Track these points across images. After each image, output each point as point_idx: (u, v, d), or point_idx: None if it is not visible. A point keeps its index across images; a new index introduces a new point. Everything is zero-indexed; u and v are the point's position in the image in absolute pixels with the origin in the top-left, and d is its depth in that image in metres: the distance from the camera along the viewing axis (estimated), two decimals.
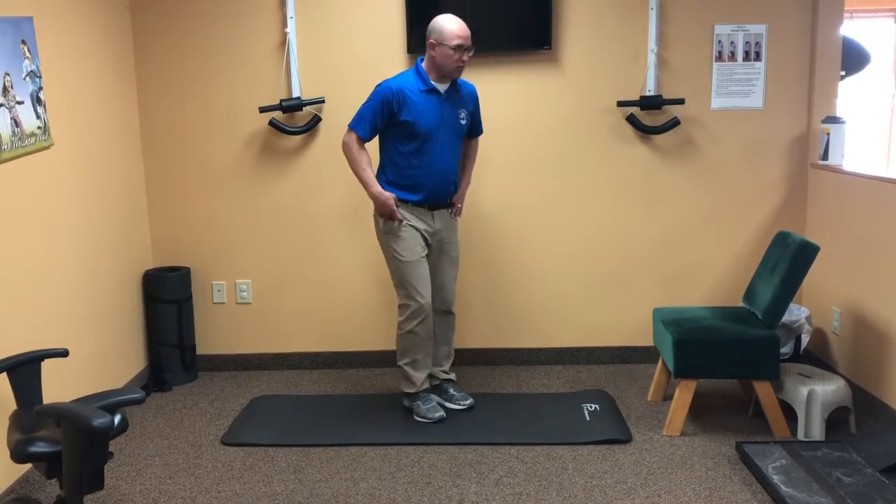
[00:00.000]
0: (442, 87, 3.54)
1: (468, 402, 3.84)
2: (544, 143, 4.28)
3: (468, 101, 3.69)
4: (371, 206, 3.67)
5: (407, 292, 3.62)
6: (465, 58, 3.49)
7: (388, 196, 3.54)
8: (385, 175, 3.62)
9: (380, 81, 3.57)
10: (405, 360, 3.71)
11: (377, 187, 3.56)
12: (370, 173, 3.57)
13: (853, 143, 4.36)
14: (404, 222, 3.58)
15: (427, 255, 3.67)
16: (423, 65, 3.55)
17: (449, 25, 3.45)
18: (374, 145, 3.68)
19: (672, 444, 3.49)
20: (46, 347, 2.97)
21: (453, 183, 3.70)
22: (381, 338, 4.32)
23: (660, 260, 4.37)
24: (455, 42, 3.44)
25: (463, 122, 3.65)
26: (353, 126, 3.54)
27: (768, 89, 4.21)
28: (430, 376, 3.83)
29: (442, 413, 3.72)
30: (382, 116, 3.49)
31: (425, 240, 3.65)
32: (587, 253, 4.37)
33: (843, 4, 4.14)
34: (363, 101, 3.55)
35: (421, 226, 3.63)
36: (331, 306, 4.43)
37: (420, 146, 3.53)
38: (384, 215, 3.58)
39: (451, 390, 3.87)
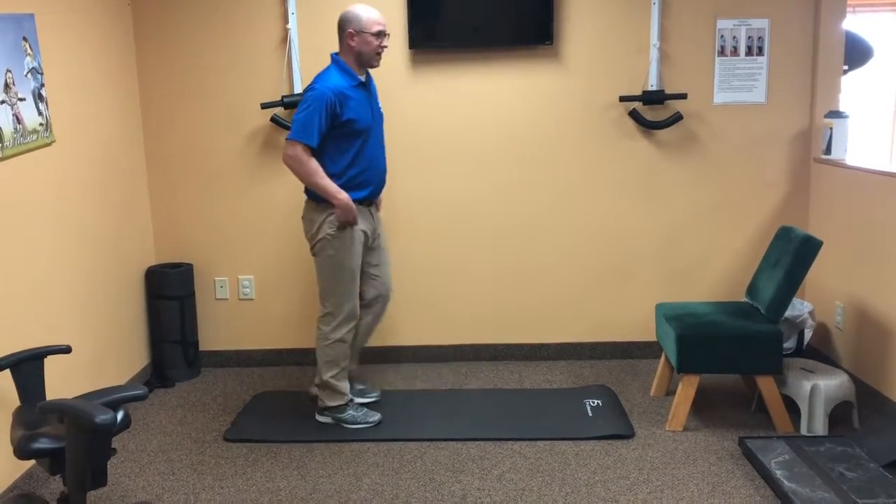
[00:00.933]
0: (363, 79, 3.48)
1: (376, 394, 3.87)
2: (546, 138, 4.27)
3: (375, 88, 3.62)
4: (300, 211, 3.59)
5: (339, 301, 3.50)
6: (384, 43, 3.45)
7: (351, 201, 3.43)
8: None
9: (308, 85, 3.42)
10: (333, 371, 3.57)
11: (344, 194, 3.39)
12: (329, 181, 3.39)
13: (856, 138, 4.35)
14: (356, 227, 3.49)
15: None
16: (342, 59, 3.44)
17: (366, 13, 3.39)
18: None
19: (675, 439, 3.49)
20: (49, 344, 2.98)
21: (386, 173, 3.65)
22: (383, 333, 4.32)
23: (662, 255, 4.36)
24: (376, 28, 3.39)
25: (382, 111, 3.63)
26: (298, 137, 3.32)
27: (771, 84, 4.20)
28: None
29: (378, 415, 3.67)
30: (327, 120, 3.33)
31: (366, 242, 3.58)
32: (590, 248, 4.37)
33: None
34: (301, 107, 3.35)
35: (367, 227, 3.55)
36: None
37: (362, 143, 3.44)
38: (346, 222, 3.43)
39: (359, 385, 3.88)
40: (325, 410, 3.66)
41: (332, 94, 3.32)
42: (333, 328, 3.55)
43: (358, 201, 3.47)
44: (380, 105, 3.64)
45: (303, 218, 3.60)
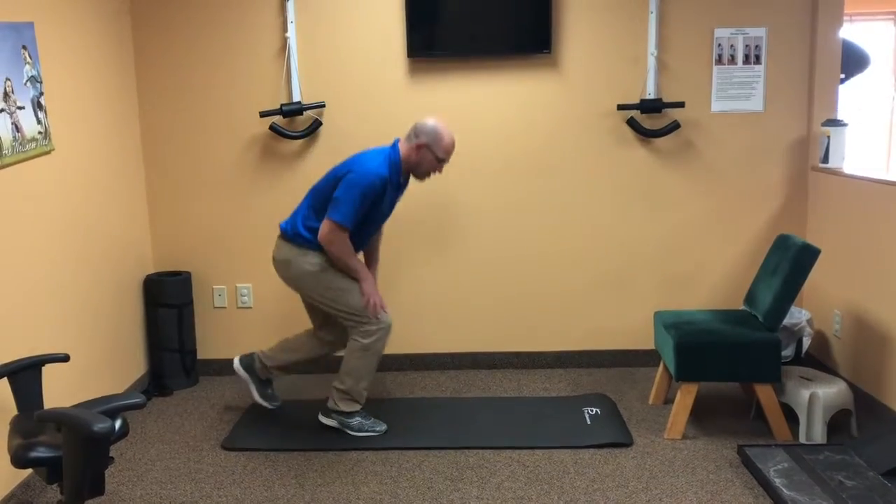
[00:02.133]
0: (403, 179, 3.57)
1: (277, 404, 3.92)
2: (544, 146, 4.28)
3: (405, 189, 3.69)
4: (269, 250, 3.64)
5: (367, 313, 3.50)
6: (441, 169, 3.52)
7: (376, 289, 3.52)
8: (311, 227, 3.48)
9: (356, 162, 3.42)
10: (365, 382, 3.56)
11: (370, 282, 3.48)
12: (358, 262, 3.47)
13: (853, 146, 4.36)
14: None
15: None
16: (400, 155, 3.47)
17: (446, 138, 3.44)
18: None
19: (673, 447, 3.48)
20: (47, 352, 2.97)
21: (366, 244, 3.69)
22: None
23: (661, 263, 4.37)
24: (443, 155, 3.46)
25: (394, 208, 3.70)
26: (341, 219, 3.34)
27: (768, 92, 4.21)
28: (269, 366, 3.81)
29: (385, 425, 3.65)
30: (366, 207, 3.39)
31: None
32: (588, 256, 4.37)
33: (843, 7, 4.14)
34: (344, 187, 3.35)
35: None
36: None
37: (363, 224, 3.49)
38: (374, 302, 3.46)
39: (269, 389, 3.93)
40: (334, 413, 3.65)
41: (380, 183, 3.36)
42: (374, 340, 3.51)
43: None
44: (397, 203, 3.67)
45: (276, 259, 3.59)
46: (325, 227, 3.38)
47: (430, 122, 3.46)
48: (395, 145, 3.51)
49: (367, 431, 3.62)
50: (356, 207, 3.35)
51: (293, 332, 4.41)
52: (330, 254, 3.44)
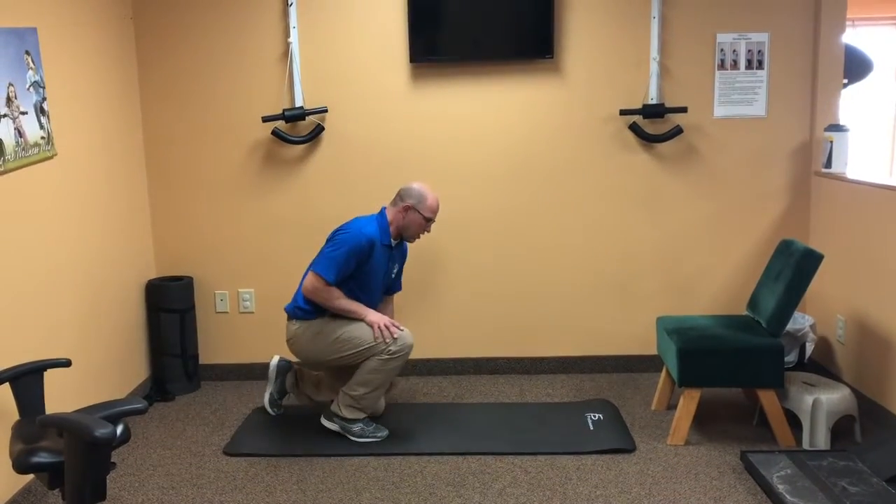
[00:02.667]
0: (395, 243, 3.67)
1: (280, 412, 3.94)
2: (547, 151, 4.28)
3: (402, 256, 3.82)
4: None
5: (384, 339, 3.52)
6: (429, 229, 3.68)
7: (385, 317, 3.54)
8: (318, 311, 3.57)
9: (346, 224, 3.56)
10: (376, 394, 3.59)
11: (365, 308, 3.52)
12: (351, 302, 3.52)
13: (856, 151, 4.35)
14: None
15: None
16: (388, 219, 3.61)
17: (430, 199, 3.62)
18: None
19: (676, 453, 3.47)
20: (49, 357, 2.97)
21: None
22: None
23: (663, 268, 4.36)
24: (429, 215, 3.63)
25: (394, 275, 3.80)
26: (323, 272, 3.47)
27: (771, 97, 4.21)
28: (300, 388, 3.88)
29: (387, 430, 3.65)
30: (353, 265, 3.50)
31: None
32: (590, 261, 4.37)
33: (846, 12, 4.14)
34: (329, 243, 3.53)
35: None
36: None
37: (353, 290, 3.56)
38: (384, 333, 3.48)
39: (281, 401, 3.96)
40: (337, 418, 3.64)
41: (366, 242, 3.49)
42: (399, 357, 3.53)
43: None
44: (395, 270, 3.78)
45: (288, 341, 3.66)
46: (308, 280, 3.52)
47: (415, 185, 3.65)
48: (382, 211, 3.66)
49: (368, 437, 3.61)
50: (339, 263, 3.47)
51: None
52: (320, 304, 3.52)
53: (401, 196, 3.63)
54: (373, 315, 3.53)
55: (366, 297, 3.61)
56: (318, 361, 3.66)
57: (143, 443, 3.70)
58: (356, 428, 3.61)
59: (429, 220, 3.65)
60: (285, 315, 3.67)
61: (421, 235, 3.70)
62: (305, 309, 3.58)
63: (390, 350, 3.50)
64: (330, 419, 3.67)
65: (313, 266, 3.53)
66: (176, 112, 4.29)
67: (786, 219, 4.30)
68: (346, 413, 3.60)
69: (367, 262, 3.53)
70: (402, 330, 3.55)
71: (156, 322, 4.26)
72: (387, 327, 3.50)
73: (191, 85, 4.26)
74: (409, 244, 3.82)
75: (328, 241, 3.60)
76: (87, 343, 3.67)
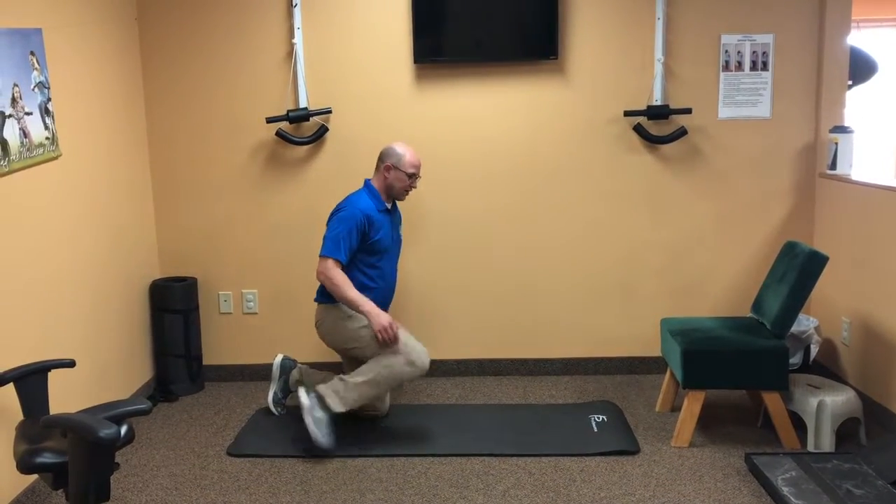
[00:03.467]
0: (389, 206, 3.77)
1: (283, 412, 3.96)
2: (551, 152, 4.27)
3: (399, 218, 3.93)
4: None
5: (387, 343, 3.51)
6: (415, 184, 3.76)
7: (385, 313, 3.53)
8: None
9: (339, 204, 3.65)
10: (367, 395, 3.54)
11: (371, 304, 3.52)
12: (358, 293, 3.54)
13: (861, 153, 4.34)
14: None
15: None
16: (375, 185, 3.72)
17: (407, 154, 3.70)
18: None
19: (680, 455, 3.46)
20: (53, 358, 2.97)
21: (395, 291, 3.91)
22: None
23: (667, 270, 4.35)
24: (410, 170, 3.71)
25: (401, 236, 3.94)
26: (330, 253, 3.55)
27: (775, 99, 4.20)
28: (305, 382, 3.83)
29: (331, 442, 3.52)
30: (357, 239, 3.59)
31: None
32: (594, 263, 4.36)
33: (851, 14, 4.13)
34: (331, 223, 3.61)
35: None
36: None
37: (378, 262, 3.70)
38: (383, 327, 3.47)
39: (285, 400, 4.00)
40: (314, 394, 3.53)
41: (361, 215, 3.59)
42: (407, 372, 3.54)
43: None
44: (401, 233, 3.94)
45: (315, 323, 3.75)
46: (319, 265, 3.58)
47: (391, 144, 3.74)
48: (367, 182, 3.76)
49: (317, 432, 3.47)
50: (343, 239, 3.55)
51: (298, 338, 4.43)
52: (329, 290, 3.58)
53: (381, 158, 3.72)
54: (375, 316, 3.49)
55: (388, 263, 3.75)
56: (341, 348, 3.73)
57: (146, 443, 3.71)
58: (319, 415, 3.50)
59: (411, 176, 3.71)
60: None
61: (409, 191, 3.77)
62: (326, 293, 3.65)
63: (410, 358, 3.51)
64: (307, 393, 3.56)
65: (321, 251, 3.59)
66: (180, 112, 4.30)
67: (790, 220, 4.29)
68: (329, 399, 3.52)
69: (372, 231, 3.62)
70: (399, 330, 3.53)
71: (160, 323, 4.27)
72: (386, 329, 3.47)
73: (195, 85, 4.27)
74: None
75: (328, 224, 3.67)
76: (91, 343, 3.68)
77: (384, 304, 3.75)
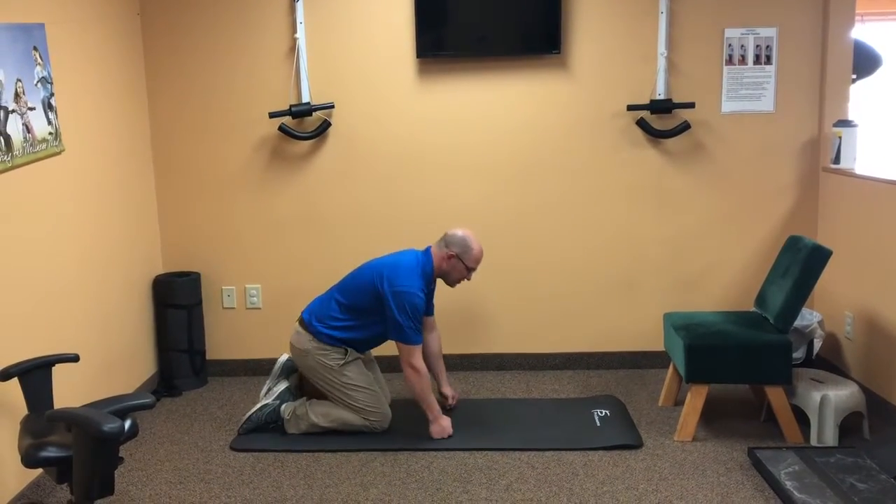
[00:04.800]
0: (433, 287, 3.75)
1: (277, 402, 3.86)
2: (554, 147, 4.27)
3: (433, 290, 3.81)
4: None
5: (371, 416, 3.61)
6: (470, 277, 3.69)
7: (448, 421, 3.62)
8: (336, 325, 3.60)
9: (399, 282, 3.51)
10: (335, 426, 3.61)
11: (438, 410, 3.61)
12: (433, 398, 3.61)
13: (865, 147, 4.33)
14: (355, 360, 3.64)
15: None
16: (434, 264, 3.62)
17: (474, 250, 3.62)
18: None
19: (683, 449, 3.47)
20: (57, 352, 2.98)
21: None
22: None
23: (670, 264, 4.35)
24: (473, 265, 3.65)
25: (433, 307, 3.86)
26: (412, 339, 3.51)
27: (779, 93, 4.19)
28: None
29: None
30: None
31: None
32: (597, 257, 4.36)
33: (855, 7, 4.12)
34: (397, 311, 3.48)
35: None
36: None
37: (378, 322, 3.60)
38: (438, 436, 3.58)
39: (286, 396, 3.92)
40: (295, 417, 3.65)
41: (422, 298, 3.55)
42: (368, 427, 3.61)
43: (352, 347, 3.63)
44: (433, 304, 3.85)
45: (294, 347, 3.65)
46: (407, 353, 3.53)
47: (460, 233, 3.64)
48: (427, 252, 3.65)
49: (248, 423, 3.65)
50: (417, 324, 3.52)
51: None
52: (413, 385, 3.56)
53: (446, 242, 3.62)
54: (440, 426, 3.58)
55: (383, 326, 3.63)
56: (313, 379, 3.66)
57: (150, 438, 3.72)
58: (261, 417, 3.66)
59: (470, 270, 3.65)
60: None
61: (462, 282, 3.71)
62: (328, 335, 3.59)
63: (371, 421, 3.60)
64: (292, 411, 3.64)
65: (403, 338, 3.51)
66: (183, 107, 4.29)
67: (794, 215, 4.29)
68: (287, 421, 3.63)
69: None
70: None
71: (163, 318, 4.27)
72: (442, 435, 3.58)
73: (198, 80, 4.27)
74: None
75: (367, 284, 3.56)
76: (95, 338, 3.69)
77: (370, 347, 3.74)
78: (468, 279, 3.70)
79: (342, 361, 3.58)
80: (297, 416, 3.64)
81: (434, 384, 3.85)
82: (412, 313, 3.49)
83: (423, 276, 3.57)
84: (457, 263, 3.60)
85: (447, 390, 3.88)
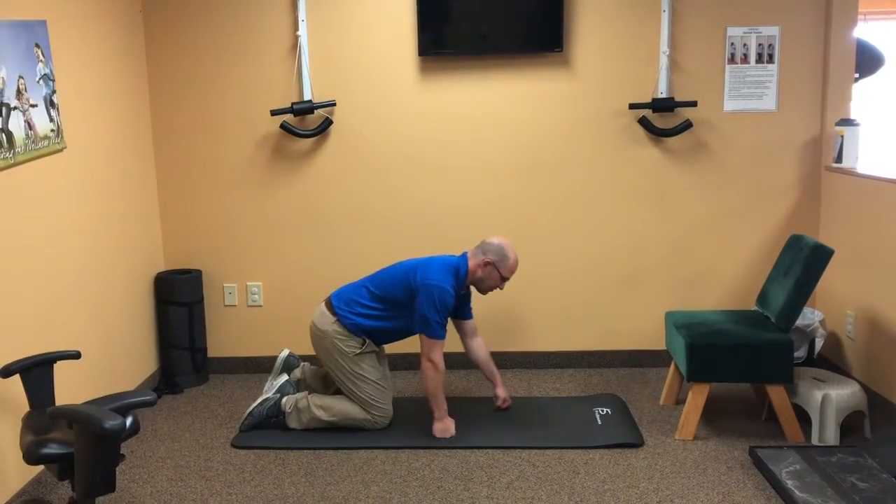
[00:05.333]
0: (464, 291, 3.73)
1: (277, 395, 3.87)
2: (556, 145, 4.27)
3: (469, 296, 3.84)
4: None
5: (374, 410, 3.62)
6: (502, 287, 3.69)
7: (452, 424, 3.63)
8: (363, 312, 3.61)
9: (430, 275, 3.51)
10: (336, 420, 3.62)
11: (445, 411, 3.61)
12: (443, 397, 3.61)
13: (867, 146, 4.33)
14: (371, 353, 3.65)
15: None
16: (469, 268, 3.61)
17: (511, 260, 3.61)
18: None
19: (685, 448, 3.47)
20: (59, 349, 2.98)
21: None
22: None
23: (672, 263, 4.35)
24: (507, 275, 3.64)
25: (471, 311, 3.88)
26: (437, 333, 3.52)
27: (781, 91, 4.18)
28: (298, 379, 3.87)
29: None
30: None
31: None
32: (599, 256, 4.36)
33: (857, 6, 4.11)
34: (426, 303, 3.48)
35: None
36: None
37: (403, 315, 3.62)
38: (441, 436, 3.58)
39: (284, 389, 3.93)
40: (286, 413, 3.67)
41: (452, 295, 3.54)
42: (368, 424, 3.63)
43: (372, 338, 3.65)
44: (470, 307, 3.87)
45: (316, 326, 3.65)
46: (428, 347, 3.54)
47: (497, 241, 3.63)
48: (464, 257, 3.64)
49: (249, 419, 3.66)
50: (444, 320, 3.54)
51: (302, 330, 4.42)
52: (428, 379, 3.56)
53: (483, 249, 3.63)
54: (444, 427, 3.59)
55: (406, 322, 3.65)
56: (325, 362, 3.67)
57: (151, 435, 3.72)
58: (263, 416, 3.67)
59: (504, 279, 3.65)
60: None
61: (492, 291, 3.71)
62: (354, 322, 3.60)
63: (374, 416, 3.61)
64: (293, 404, 3.66)
65: (426, 331, 3.52)
66: (184, 105, 4.30)
67: (796, 214, 4.28)
68: (288, 414, 3.65)
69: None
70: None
71: (164, 315, 4.27)
72: (444, 435, 3.59)
73: (199, 77, 4.27)
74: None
75: (402, 280, 3.57)
76: (97, 335, 3.69)
77: (388, 336, 3.72)
78: (500, 288, 3.70)
79: (358, 351, 3.59)
80: (298, 410, 3.65)
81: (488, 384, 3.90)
82: (440, 308, 3.49)
83: (456, 277, 3.58)
84: (492, 271, 3.60)
85: (501, 391, 3.88)
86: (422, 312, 3.50)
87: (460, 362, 4.46)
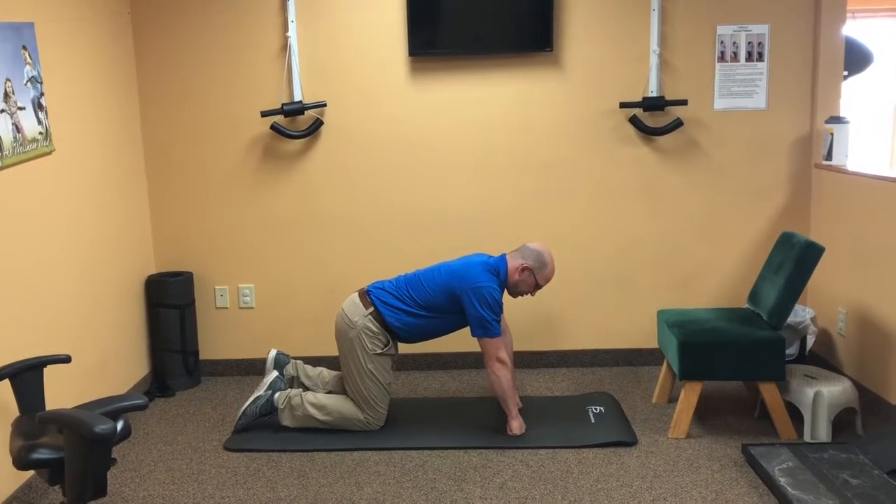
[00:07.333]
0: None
1: (270, 392, 3.85)
2: (546, 145, 4.27)
3: None
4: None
5: (371, 410, 3.62)
6: (534, 294, 3.72)
7: (522, 421, 3.62)
8: (398, 306, 3.60)
9: (474, 277, 3.51)
10: (330, 420, 3.62)
11: (517, 410, 3.61)
12: (517, 397, 3.63)
13: (857, 143, 4.35)
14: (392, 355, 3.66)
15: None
16: (508, 271, 3.60)
17: (549, 268, 3.63)
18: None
19: (677, 446, 3.47)
20: (49, 353, 2.97)
21: None
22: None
23: (664, 262, 4.36)
24: (543, 283, 3.65)
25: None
26: (497, 332, 3.51)
27: (771, 90, 4.20)
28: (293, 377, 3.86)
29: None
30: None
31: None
32: (591, 255, 4.36)
33: (846, 4, 4.13)
34: (479, 305, 3.47)
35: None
36: (333, 311, 4.40)
37: (449, 316, 3.63)
38: (512, 434, 3.58)
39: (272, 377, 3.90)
40: (289, 408, 3.65)
41: (500, 293, 3.56)
42: (362, 424, 3.63)
43: (400, 337, 3.64)
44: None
45: (345, 313, 3.62)
46: (490, 347, 3.52)
47: (537, 247, 3.65)
48: (503, 259, 3.64)
49: (243, 418, 3.65)
50: (498, 317, 3.52)
51: (294, 332, 4.44)
52: (500, 381, 3.55)
53: (522, 253, 3.64)
54: (517, 424, 3.58)
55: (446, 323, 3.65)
56: (341, 350, 3.64)
57: (143, 439, 3.70)
58: (258, 412, 3.66)
59: (538, 286, 3.66)
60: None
61: (524, 296, 3.72)
62: (388, 321, 3.57)
63: (368, 417, 3.60)
64: (286, 400, 3.65)
65: (484, 333, 3.50)
66: (174, 106, 4.28)
67: (786, 211, 4.30)
68: (282, 412, 3.64)
69: None
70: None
71: (156, 318, 4.26)
72: (515, 433, 3.58)
73: (189, 79, 4.25)
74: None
75: (443, 283, 3.56)
76: (87, 339, 3.67)
77: (418, 334, 3.69)
78: (532, 295, 3.71)
79: (379, 351, 3.58)
80: (291, 406, 3.64)
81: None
82: (494, 305, 3.49)
83: (497, 278, 3.58)
84: (528, 277, 3.61)
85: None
86: (478, 315, 3.49)
87: (452, 362, 4.46)
